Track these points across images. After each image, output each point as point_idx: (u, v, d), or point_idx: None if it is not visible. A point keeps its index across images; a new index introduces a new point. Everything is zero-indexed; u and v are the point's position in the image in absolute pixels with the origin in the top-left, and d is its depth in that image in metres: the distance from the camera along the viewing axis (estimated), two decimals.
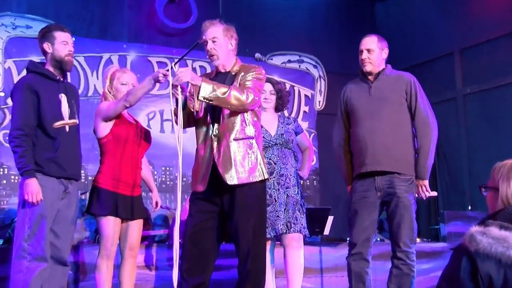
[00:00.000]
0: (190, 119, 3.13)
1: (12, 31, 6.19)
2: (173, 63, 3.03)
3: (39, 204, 3.06)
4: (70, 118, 3.23)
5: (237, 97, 2.94)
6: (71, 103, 3.26)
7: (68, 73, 3.39)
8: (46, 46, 3.25)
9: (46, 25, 6.06)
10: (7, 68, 6.14)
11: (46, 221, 3.09)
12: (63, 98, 3.23)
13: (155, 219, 6.20)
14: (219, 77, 3.13)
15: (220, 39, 3.11)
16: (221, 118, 3.05)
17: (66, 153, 3.18)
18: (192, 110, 3.08)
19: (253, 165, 3.02)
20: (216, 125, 3.06)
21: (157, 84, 3.16)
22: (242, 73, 3.11)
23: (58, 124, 3.16)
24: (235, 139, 3.03)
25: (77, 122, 3.29)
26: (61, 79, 3.28)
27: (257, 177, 3.03)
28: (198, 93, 2.90)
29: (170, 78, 3.00)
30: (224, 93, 2.91)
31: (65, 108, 3.22)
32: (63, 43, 3.24)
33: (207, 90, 2.89)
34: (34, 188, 3.02)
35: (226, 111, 3.05)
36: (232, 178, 2.97)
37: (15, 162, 3.11)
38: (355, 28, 7.82)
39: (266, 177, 3.10)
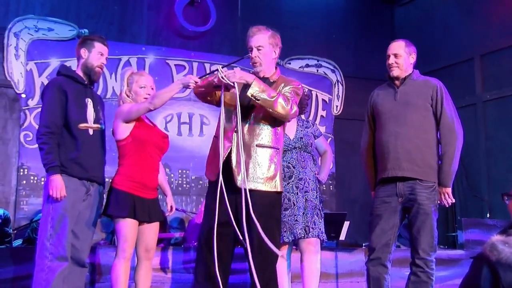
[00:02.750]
0: (212, 98, 3.15)
1: (35, 33, 6.29)
2: (220, 67, 2.98)
3: (61, 204, 3.13)
4: (94, 122, 3.32)
5: (283, 106, 2.94)
6: (97, 109, 3.37)
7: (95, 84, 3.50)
8: (83, 51, 3.36)
9: (68, 28, 6.32)
10: (29, 70, 6.24)
11: (68, 221, 3.15)
12: (90, 102, 3.33)
13: (171, 222, 6.23)
14: None
15: (266, 47, 3.10)
16: (252, 120, 3.03)
17: (88, 155, 3.25)
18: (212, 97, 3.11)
19: (270, 175, 2.99)
20: (244, 126, 3.00)
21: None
22: (282, 85, 3.10)
23: (82, 125, 3.26)
24: (258, 145, 3.00)
25: (101, 128, 3.37)
26: (89, 84, 3.39)
27: (271, 188, 3.00)
28: (248, 88, 2.90)
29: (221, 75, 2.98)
30: (273, 97, 2.92)
31: (90, 112, 3.31)
32: (99, 53, 3.37)
33: (257, 89, 2.90)
34: (59, 184, 3.10)
35: (259, 114, 3.02)
36: (244, 182, 2.91)
37: (41, 159, 3.18)
38: (374, 32, 7.80)
39: (279, 190, 3.05)
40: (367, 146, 3.54)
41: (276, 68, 3.20)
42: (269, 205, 3.01)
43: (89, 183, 3.27)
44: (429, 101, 3.35)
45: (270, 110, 2.95)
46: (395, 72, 3.42)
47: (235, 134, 2.98)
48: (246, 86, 2.94)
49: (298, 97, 3.14)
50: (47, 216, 3.15)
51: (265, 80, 3.12)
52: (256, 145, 3.00)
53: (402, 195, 3.30)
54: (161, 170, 3.61)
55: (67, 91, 3.23)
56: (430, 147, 3.33)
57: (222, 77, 2.94)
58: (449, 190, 3.31)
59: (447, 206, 3.36)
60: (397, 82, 3.45)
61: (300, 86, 3.16)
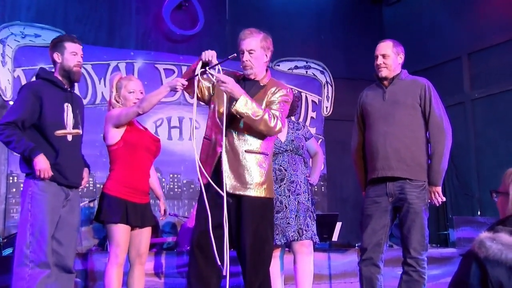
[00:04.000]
0: (205, 96, 3.13)
1: (22, 40, 6.25)
2: (208, 68, 2.97)
3: (41, 210, 3.06)
4: (73, 128, 3.25)
5: (266, 124, 2.93)
6: (76, 113, 3.29)
7: (76, 84, 3.41)
8: (56, 56, 3.29)
9: (55, 34, 6.28)
10: (17, 77, 6.20)
11: (48, 227, 3.07)
12: (68, 107, 3.26)
13: (164, 226, 6.21)
14: (247, 84, 3.10)
15: (257, 51, 3.08)
16: (241, 126, 3.01)
17: (67, 162, 3.18)
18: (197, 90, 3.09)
19: (260, 181, 2.99)
20: (233, 131, 3.01)
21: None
22: (272, 90, 3.08)
23: (60, 132, 3.18)
24: (247, 151, 3.00)
25: (80, 133, 3.31)
26: (69, 88, 3.32)
27: (261, 193, 2.99)
28: (234, 102, 2.89)
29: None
30: (257, 116, 2.91)
31: (68, 117, 3.24)
32: (72, 54, 3.28)
33: (242, 106, 2.88)
34: (45, 164, 3.04)
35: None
36: (233, 188, 2.94)
37: (14, 149, 3.11)
38: (363, 33, 7.84)
39: (271, 196, 3.07)
40: (357, 147, 3.55)
41: (266, 71, 3.19)
42: (261, 208, 3.00)
43: (68, 189, 3.21)
44: (418, 100, 3.36)
45: (253, 126, 2.95)
46: (384, 73, 3.43)
47: (225, 138, 2.98)
48: (233, 98, 2.94)
49: (287, 105, 3.13)
50: (26, 223, 3.06)
51: (255, 83, 3.11)
52: (245, 151, 2.99)
53: (392, 194, 3.31)
54: (153, 174, 3.60)
55: (42, 96, 3.16)
56: (419, 146, 3.34)
57: (211, 76, 2.95)
58: (439, 189, 3.31)
59: (438, 205, 3.37)
60: (385, 82, 3.46)
61: (289, 92, 3.14)
